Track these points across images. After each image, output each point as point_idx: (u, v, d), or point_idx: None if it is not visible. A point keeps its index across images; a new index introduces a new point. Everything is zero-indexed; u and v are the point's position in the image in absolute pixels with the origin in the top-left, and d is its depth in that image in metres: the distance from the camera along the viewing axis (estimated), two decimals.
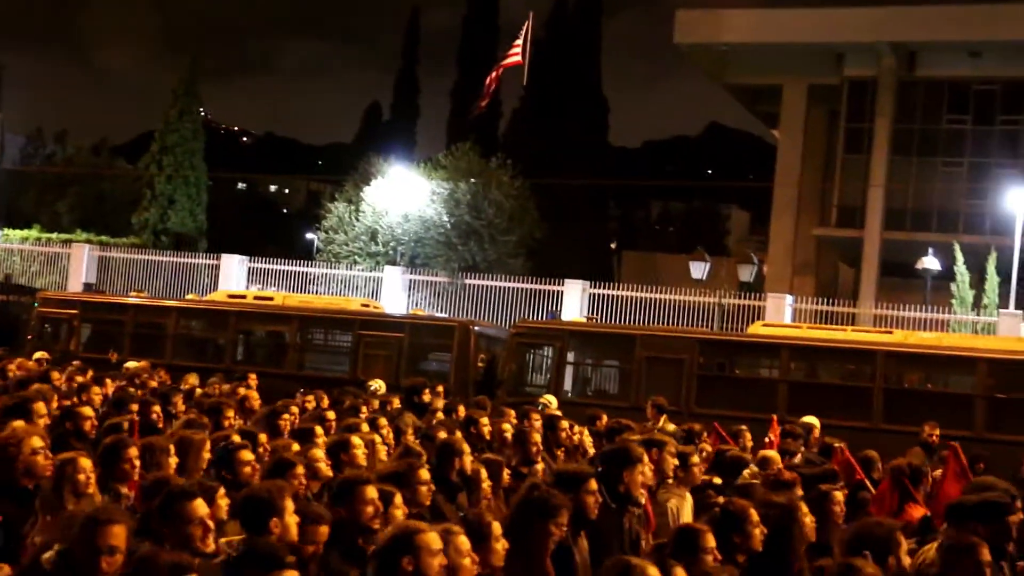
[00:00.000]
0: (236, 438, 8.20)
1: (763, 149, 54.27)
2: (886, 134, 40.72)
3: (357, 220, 35.88)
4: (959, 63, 40.34)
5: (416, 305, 31.13)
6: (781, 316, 27.96)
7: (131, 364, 17.49)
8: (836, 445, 11.21)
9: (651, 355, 20.50)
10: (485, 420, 11.47)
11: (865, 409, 18.19)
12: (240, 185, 69.31)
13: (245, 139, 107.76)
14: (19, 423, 7.82)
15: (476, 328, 23.32)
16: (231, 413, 10.63)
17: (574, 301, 30.53)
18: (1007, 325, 27.75)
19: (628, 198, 63.22)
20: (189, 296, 28.26)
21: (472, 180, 36.31)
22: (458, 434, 9.72)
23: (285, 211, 80.00)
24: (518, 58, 46.40)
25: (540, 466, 9.70)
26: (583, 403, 17.74)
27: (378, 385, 16.05)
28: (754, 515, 6.42)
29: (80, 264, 34.75)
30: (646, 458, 7.69)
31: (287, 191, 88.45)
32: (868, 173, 40.69)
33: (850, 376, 19.90)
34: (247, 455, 7.46)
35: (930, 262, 32.04)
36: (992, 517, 6.57)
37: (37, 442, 6.71)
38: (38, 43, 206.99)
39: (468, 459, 8.43)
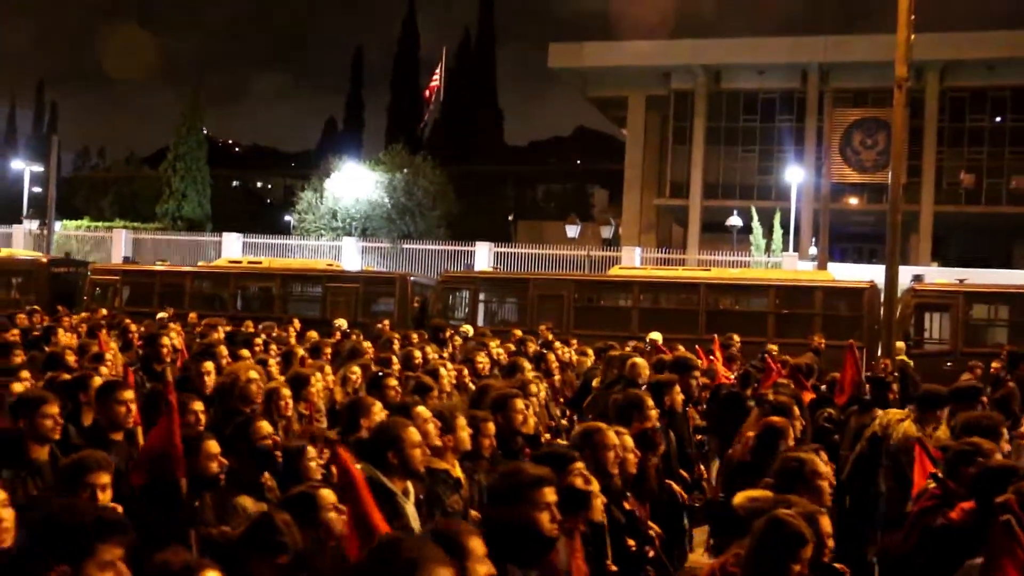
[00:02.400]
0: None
1: (615, 144, 54.28)
2: (702, 130, 41.05)
3: (321, 204, 35.47)
4: (751, 79, 40.76)
5: (367, 264, 30.89)
6: (632, 262, 28.16)
7: (161, 314, 17.12)
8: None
9: (541, 293, 20.54)
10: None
11: (692, 325, 18.34)
12: (235, 182, 67.70)
13: (237, 148, 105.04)
14: (242, 363, 7.37)
15: (412, 279, 23.23)
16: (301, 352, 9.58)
17: (483, 257, 30.47)
18: (788, 263, 28.39)
19: (520, 182, 62.89)
20: (200, 263, 27.73)
21: (405, 171, 36.04)
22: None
23: (269, 201, 78.15)
24: (436, 83, 46.03)
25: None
26: (493, 330, 17.74)
27: (340, 322, 15.95)
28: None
29: (120, 244, 34.33)
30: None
31: (270, 186, 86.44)
32: (690, 159, 41.05)
33: (681, 302, 20.02)
34: (393, 381, 7.00)
35: (735, 221, 32.51)
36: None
37: (252, 374, 6.28)
38: (81, 81, 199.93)
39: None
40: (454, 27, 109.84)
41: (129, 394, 5.42)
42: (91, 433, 5.34)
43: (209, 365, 7.30)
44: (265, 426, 4.93)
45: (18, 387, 5.80)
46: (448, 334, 13.27)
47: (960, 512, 4.35)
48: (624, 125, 46.32)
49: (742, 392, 8.87)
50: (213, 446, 4.44)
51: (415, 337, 11.99)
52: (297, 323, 15.71)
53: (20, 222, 35.48)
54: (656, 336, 14.30)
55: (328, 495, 3.82)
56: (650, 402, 6.31)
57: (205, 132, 45.20)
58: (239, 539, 3.48)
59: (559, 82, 46.59)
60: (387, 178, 35.44)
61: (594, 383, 9.34)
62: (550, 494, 3.61)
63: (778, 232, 31.11)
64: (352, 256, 31.65)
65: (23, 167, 41.74)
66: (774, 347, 10.99)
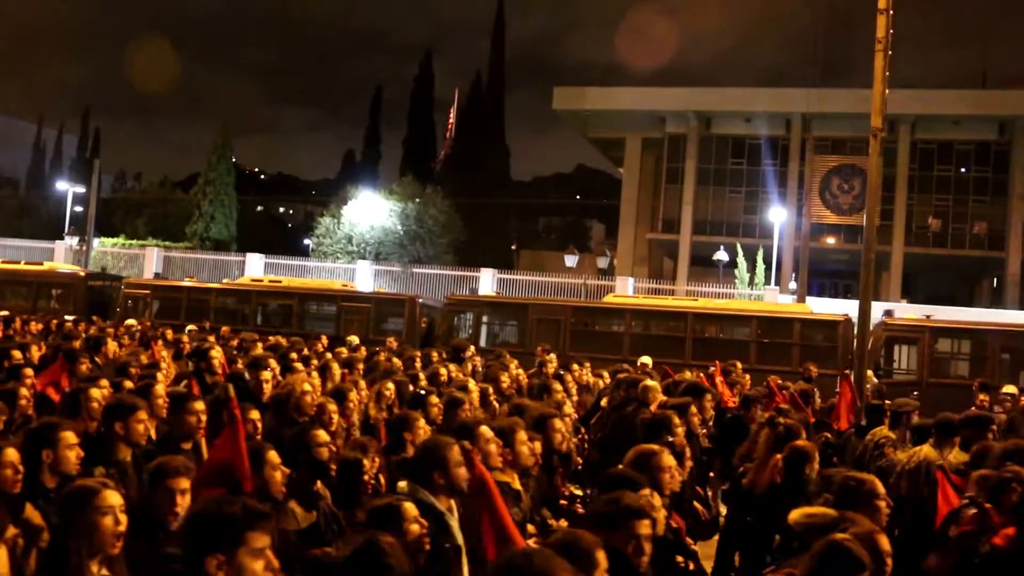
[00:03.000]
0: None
1: (613, 181, 54.46)
2: (693, 171, 41.21)
3: (338, 229, 35.47)
4: (739, 125, 40.98)
5: (379, 286, 30.87)
6: (625, 291, 28.11)
7: (191, 327, 17.06)
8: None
9: (540, 317, 20.51)
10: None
11: (680, 351, 18.37)
12: (259, 207, 67.79)
13: (263, 176, 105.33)
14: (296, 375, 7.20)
15: (420, 301, 23.16)
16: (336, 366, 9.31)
17: (487, 283, 30.45)
18: (769, 296, 28.36)
19: (523, 215, 63.10)
20: (224, 281, 27.72)
21: (417, 201, 36.08)
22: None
23: (290, 225, 78.40)
24: (452, 121, 46.32)
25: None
26: (493, 351, 17.70)
27: (352, 339, 15.72)
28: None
29: (152, 261, 34.28)
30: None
31: (291, 211, 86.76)
32: (681, 197, 41.17)
33: (670, 329, 19.97)
34: (436, 399, 6.82)
35: (721, 255, 32.50)
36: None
37: (307, 386, 6.24)
38: (123, 111, 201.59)
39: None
40: (467, 70, 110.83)
41: (200, 405, 5.31)
42: (162, 442, 5.26)
43: (267, 374, 7.15)
44: (322, 435, 4.81)
45: (96, 393, 5.66)
46: (468, 354, 12.99)
47: (1004, 538, 4.26)
48: (621, 164, 46.52)
49: (745, 415, 8.70)
50: (275, 457, 4.32)
51: (435, 356, 11.83)
52: (325, 339, 15.57)
53: (62, 238, 35.54)
54: (646, 360, 14.27)
55: (411, 508, 3.60)
56: (678, 420, 6.22)
57: (234, 160, 45.36)
58: (345, 562, 3.08)
59: (562, 123, 46.82)
60: (400, 207, 35.49)
61: (603, 402, 9.22)
62: (646, 527, 3.51)
63: (761, 267, 31.10)
64: (365, 278, 31.63)
65: (67, 188, 42.03)
66: (775, 378, 10.75)
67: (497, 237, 45.03)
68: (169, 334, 12.19)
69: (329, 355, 10.56)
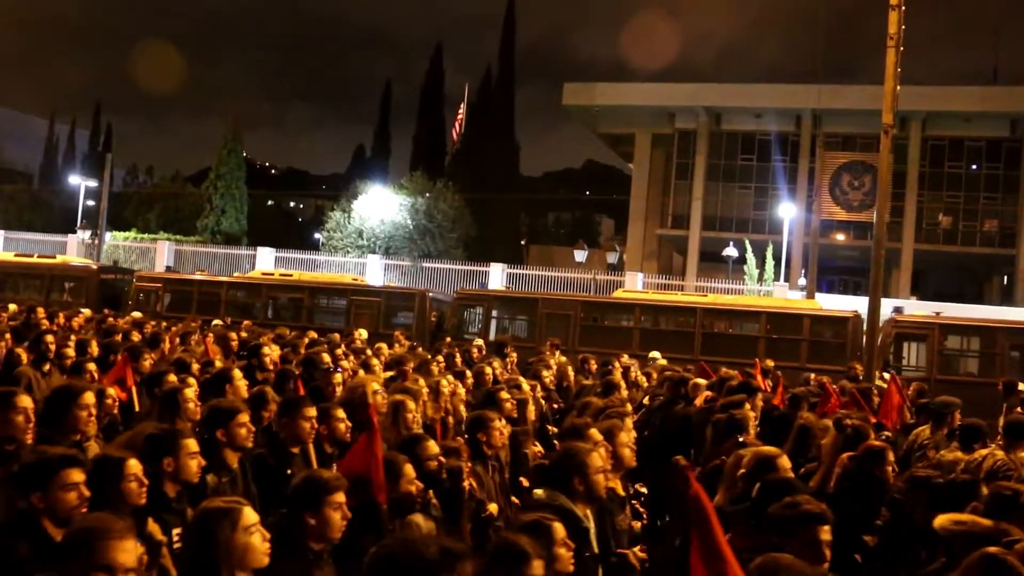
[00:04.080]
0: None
1: (622, 177, 54.41)
2: (702, 167, 41.12)
3: (349, 224, 35.55)
4: (749, 121, 40.85)
5: (389, 280, 30.91)
6: (635, 286, 28.12)
7: (247, 322, 16.74)
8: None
9: (549, 312, 20.47)
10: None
11: (689, 346, 18.33)
12: (270, 201, 68.00)
13: (273, 171, 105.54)
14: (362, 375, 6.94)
15: (430, 295, 23.16)
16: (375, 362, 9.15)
17: (497, 277, 30.48)
18: (778, 292, 28.30)
19: (533, 210, 63.07)
20: (235, 274, 27.79)
21: (426, 196, 36.13)
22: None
23: (300, 219, 78.55)
24: (462, 115, 46.37)
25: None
26: (502, 344, 17.71)
27: (359, 333, 15.38)
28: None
29: (163, 255, 34.30)
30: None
31: (302, 206, 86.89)
32: (691, 193, 41.09)
33: (679, 324, 19.93)
34: (507, 395, 6.57)
35: (730, 251, 32.44)
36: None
37: (375, 386, 5.99)
38: (134, 106, 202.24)
39: None
40: (477, 66, 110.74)
41: (313, 411, 4.99)
42: (273, 446, 4.92)
43: (339, 377, 6.84)
44: (433, 446, 4.58)
45: (190, 393, 5.48)
46: (509, 349, 12.57)
47: None
48: (631, 160, 46.43)
49: (793, 414, 8.36)
50: (411, 470, 4.08)
51: (475, 352, 11.58)
52: (364, 333, 15.30)
53: (74, 232, 35.72)
54: (656, 355, 14.28)
55: (560, 529, 3.26)
56: (753, 421, 6.05)
57: (244, 155, 45.41)
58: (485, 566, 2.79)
59: (572, 119, 46.72)
60: (410, 202, 35.55)
61: (645, 400, 9.13)
62: (826, 533, 3.38)
63: (770, 263, 31.02)
64: (375, 272, 31.69)
65: (79, 182, 42.23)
66: (827, 378, 10.48)
67: (506, 232, 45.07)
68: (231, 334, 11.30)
69: (369, 351, 10.29)
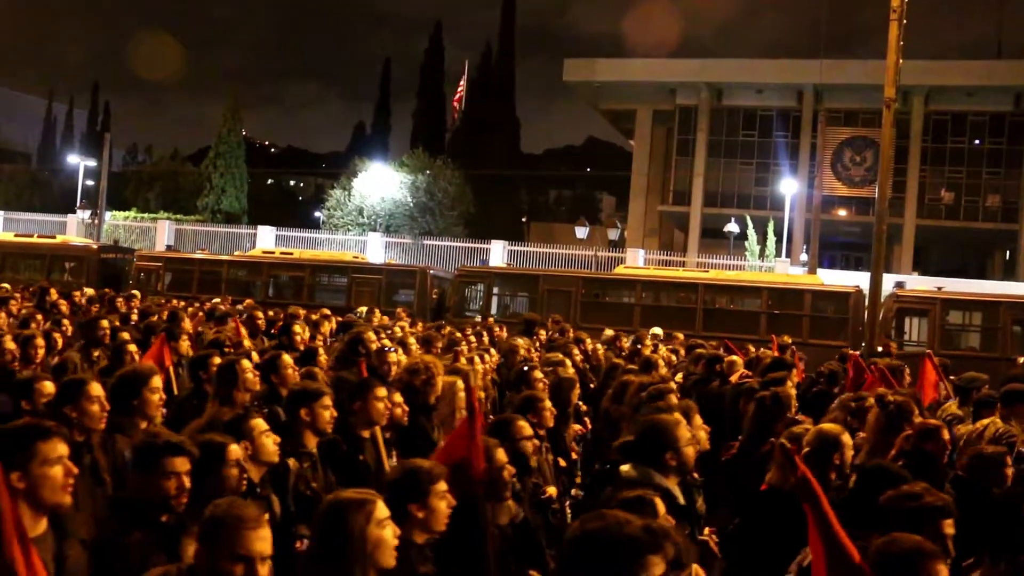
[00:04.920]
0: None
1: (623, 153, 54.21)
2: (704, 143, 40.92)
3: (349, 202, 35.48)
4: (750, 97, 40.62)
5: (390, 258, 30.89)
6: (636, 262, 28.07)
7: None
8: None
9: (550, 288, 20.50)
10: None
11: (690, 322, 18.35)
12: (270, 180, 67.82)
13: (273, 149, 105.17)
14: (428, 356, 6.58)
15: (431, 272, 23.21)
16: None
17: (498, 255, 30.44)
18: (780, 268, 28.27)
19: (534, 187, 62.89)
20: (236, 253, 27.78)
21: (427, 173, 36.04)
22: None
23: (301, 197, 78.42)
24: (462, 89, 46.14)
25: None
26: (503, 321, 17.73)
27: (361, 310, 15.31)
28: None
29: (163, 233, 34.19)
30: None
31: (302, 184, 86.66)
32: (692, 169, 40.92)
33: (680, 300, 19.97)
34: (539, 374, 6.42)
35: (732, 227, 32.37)
36: None
37: (436, 367, 5.64)
38: (132, 85, 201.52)
39: None
40: (477, 42, 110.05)
41: (384, 392, 4.82)
42: (344, 431, 4.66)
43: (394, 356, 6.60)
44: (526, 426, 4.42)
45: (247, 364, 5.30)
46: (537, 328, 12.37)
47: None
48: (632, 136, 46.21)
49: (830, 391, 8.33)
50: (503, 455, 3.92)
51: (499, 330, 11.39)
52: (404, 313, 15.15)
53: (74, 212, 35.65)
54: (657, 331, 14.30)
55: (661, 505, 3.16)
56: (794, 399, 5.94)
57: (244, 134, 45.29)
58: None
59: (573, 95, 46.43)
60: (410, 179, 35.45)
61: (677, 378, 8.97)
62: (950, 527, 3.21)
63: (772, 239, 30.97)
64: (376, 250, 31.64)
65: (78, 162, 42.09)
66: (855, 352, 10.37)
67: (507, 209, 45.03)
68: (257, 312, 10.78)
69: (408, 328, 10.13)
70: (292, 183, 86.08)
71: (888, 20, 14.07)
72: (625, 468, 3.89)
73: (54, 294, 11.73)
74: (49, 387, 4.58)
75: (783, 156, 39.44)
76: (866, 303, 16.54)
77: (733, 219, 33.03)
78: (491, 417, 5.93)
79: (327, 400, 4.48)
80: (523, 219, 50.36)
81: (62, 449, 2.98)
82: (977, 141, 39.33)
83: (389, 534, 2.86)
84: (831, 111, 37.75)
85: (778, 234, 31.72)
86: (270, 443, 3.89)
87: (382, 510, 2.89)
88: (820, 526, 2.79)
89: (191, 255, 26.29)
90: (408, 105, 54.52)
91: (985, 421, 6.09)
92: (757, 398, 5.73)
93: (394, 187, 35.17)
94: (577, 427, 6.35)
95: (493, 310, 20.68)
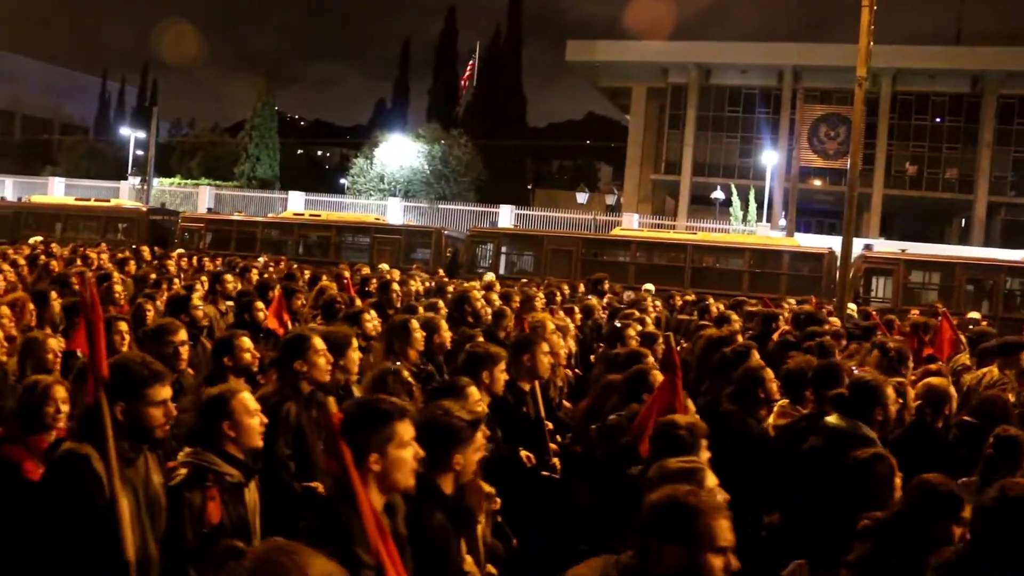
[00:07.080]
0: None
1: (620, 127, 53.66)
2: (693, 118, 40.55)
3: (371, 170, 35.41)
4: (735, 76, 40.15)
5: (408, 220, 30.88)
6: (631, 225, 28.02)
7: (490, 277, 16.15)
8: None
9: (553, 248, 20.52)
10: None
11: (680, 279, 18.37)
12: (299, 150, 67.38)
13: (302, 122, 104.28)
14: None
15: (445, 233, 23.21)
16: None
17: (506, 217, 30.39)
18: (761, 231, 28.20)
19: (539, 157, 62.43)
20: (269, 215, 27.80)
21: (442, 143, 35.85)
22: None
23: (327, 166, 77.97)
24: (472, 68, 45.58)
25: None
26: (511, 278, 17.77)
27: (384, 266, 15.05)
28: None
29: (204, 198, 34.27)
30: None
31: (328, 154, 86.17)
32: (683, 141, 40.61)
33: (671, 259, 19.96)
34: (632, 331, 6.01)
35: (718, 195, 32.27)
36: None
37: (551, 325, 5.46)
38: (178, 64, 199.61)
39: None
40: (487, 25, 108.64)
41: (547, 346, 4.50)
42: (448, 389, 3.77)
43: (511, 319, 6.13)
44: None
45: (415, 326, 5.00)
46: (606, 286, 11.48)
47: None
48: (628, 111, 45.79)
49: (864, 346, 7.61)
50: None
51: (565, 287, 10.71)
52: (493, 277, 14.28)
53: (126, 178, 35.65)
54: (650, 287, 14.32)
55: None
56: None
57: (276, 108, 45.01)
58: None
59: (574, 73, 45.91)
60: (427, 149, 35.29)
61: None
62: None
63: (753, 205, 30.88)
64: (396, 213, 31.60)
65: (129, 134, 41.98)
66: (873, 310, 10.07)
67: (515, 177, 44.75)
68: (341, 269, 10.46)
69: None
70: (319, 153, 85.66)
71: (860, 6, 13.88)
72: (831, 419, 3.76)
73: (183, 260, 11.22)
74: (247, 343, 4.36)
75: (765, 131, 39.11)
76: (838, 263, 16.55)
77: (719, 187, 32.92)
78: (578, 371, 5.83)
79: (504, 364, 4.19)
80: (529, 186, 50.05)
81: (411, 432, 2.57)
82: (938, 119, 39.03)
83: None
84: (808, 90, 37.33)
85: (759, 201, 31.59)
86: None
87: (711, 479, 2.62)
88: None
89: (230, 217, 26.35)
90: (425, 82, 54.05)
91: (985, 369, 6.10)
92: (803, 347, 5.64)
93: (412, 156, 35.04)
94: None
95: (501, 268, 20.71)
